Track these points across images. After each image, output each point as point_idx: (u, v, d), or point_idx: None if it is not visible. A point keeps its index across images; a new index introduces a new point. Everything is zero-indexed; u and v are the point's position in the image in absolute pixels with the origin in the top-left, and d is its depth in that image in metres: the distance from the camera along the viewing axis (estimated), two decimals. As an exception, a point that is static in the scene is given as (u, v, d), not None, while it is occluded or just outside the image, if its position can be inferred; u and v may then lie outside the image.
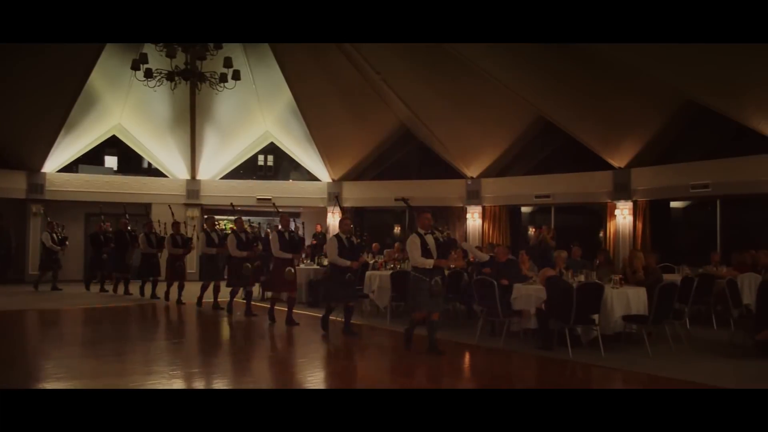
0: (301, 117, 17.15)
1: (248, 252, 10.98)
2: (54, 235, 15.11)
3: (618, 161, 15.04)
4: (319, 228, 17.30)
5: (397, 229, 19.48)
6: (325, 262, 12.42)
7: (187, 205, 18.04)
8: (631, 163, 14.91)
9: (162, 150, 18.41)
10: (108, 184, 18.12)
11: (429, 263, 7.20)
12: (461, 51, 13.49)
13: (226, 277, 11.65)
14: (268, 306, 10.38)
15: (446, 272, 8.39)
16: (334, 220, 18.56)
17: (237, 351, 8.60)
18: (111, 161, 24.49)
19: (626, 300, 8.03)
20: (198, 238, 14.05)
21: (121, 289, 14.08)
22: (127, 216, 14.88)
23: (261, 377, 6.83)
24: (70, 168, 18.16)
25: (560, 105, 14.63)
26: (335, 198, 10.36)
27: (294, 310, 9.86)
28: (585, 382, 6.71)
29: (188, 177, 18.50)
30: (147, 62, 11.71)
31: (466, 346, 8.23)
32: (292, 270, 9.60)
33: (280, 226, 10.01)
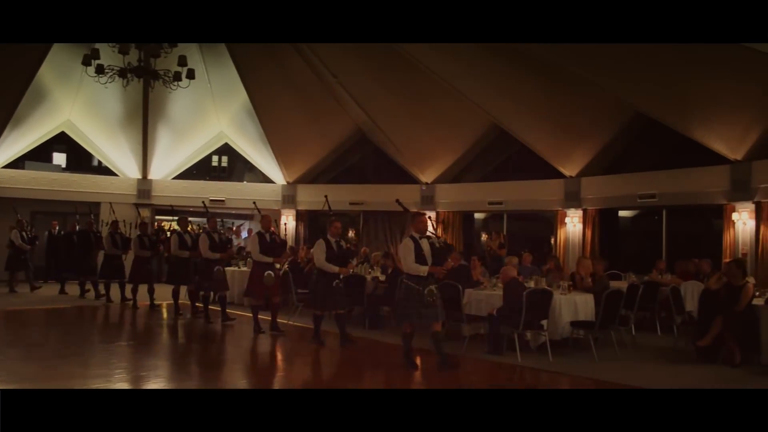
0: (257, 118, 17.02)
1: (222, 254, 10.35)
2: (24, 234, 14.51)
3: (569, 170, 15.34)
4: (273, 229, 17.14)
5: (351, 233, 19.46)
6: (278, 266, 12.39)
7: (138, 205, 17.69)
8: (582, 172, 15.23)
9: (113, 148, 18.03)
10: (56, 181, 17.64)
11: (423, 270, 6.67)
12: (418, 57, 13.59)
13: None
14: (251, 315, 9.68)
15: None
16: (288, 222, 18.48)
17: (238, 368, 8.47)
18: (59, 158, 23.88)
19: (574, 306, 8.21)
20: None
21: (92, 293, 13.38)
22: (92, 215, 14.46)
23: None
24: (16, 164, 17.60)
25: (514, 114, 14.86)
26: (325, 199, 9.77)
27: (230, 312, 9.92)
28: (532, 386, 6.83)
29: (139, 176, 18.16)
30: (99, 58, 11.46)
31: (418, 351, 8.26)
32: (272, 274, 9.15)
33: (261, 228, 9.45)
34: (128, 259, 12.64)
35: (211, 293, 10.96)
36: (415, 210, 7.13)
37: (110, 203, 14.81)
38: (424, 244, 6.81)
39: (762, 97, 11.26)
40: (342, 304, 8.45)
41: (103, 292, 12.99)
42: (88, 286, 13.53)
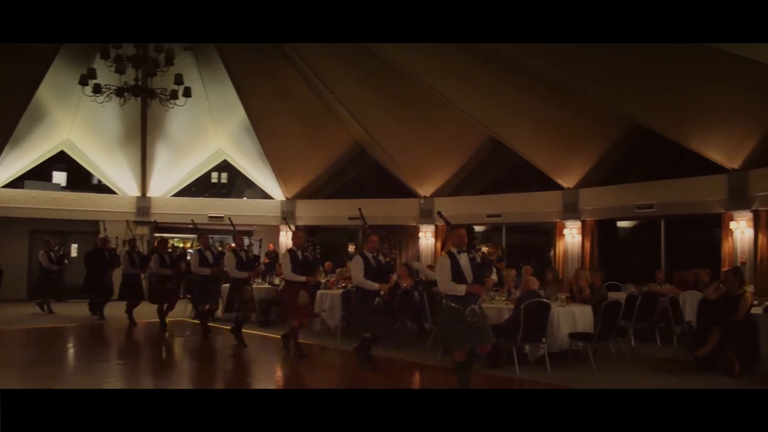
0: (255, 135, 17.07)
1: (249, 272, 9.82)
2: (51, 254, 14.27)
3: (567, 182, 15.36)
4: (271, 246, 17.18)
5: (351, 248, 19.48)
6: (277, 281, 12.43)
7: (138, 223, 17.71)
8: (580, 183, 15.25)
9: (112, 166, 18.08)
10: (55, 200, 17.69)
11: (460, 289, 5.89)
12: (414, 72, 13.66)
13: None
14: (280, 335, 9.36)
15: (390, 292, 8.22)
16: (287, 238, 18.47)
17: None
18: (59, 177, 23.98)
19: (572, 318, 8.19)
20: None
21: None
22: (106, 233, 14.19)
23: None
24: (16, 183, 17.67)
25: (511, 127, 14.91)
26: (359, 211, 9.31)
27: (244, 330, 9.69)
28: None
29: (138, 194, 18.20)
30: (95, 77, 11.52)
31: (424, 366, 8.26)
32: (306, 294, 8.56)
33: (293, 245, 8.86)
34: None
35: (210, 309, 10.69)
36: (454, 223, 6.38)
37: (103, 221, 14.76)
38: (463, 260, 6.04)
39: (757, 105, 11.30)
40: (384, 324, 8.00)
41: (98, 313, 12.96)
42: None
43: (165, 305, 11.38)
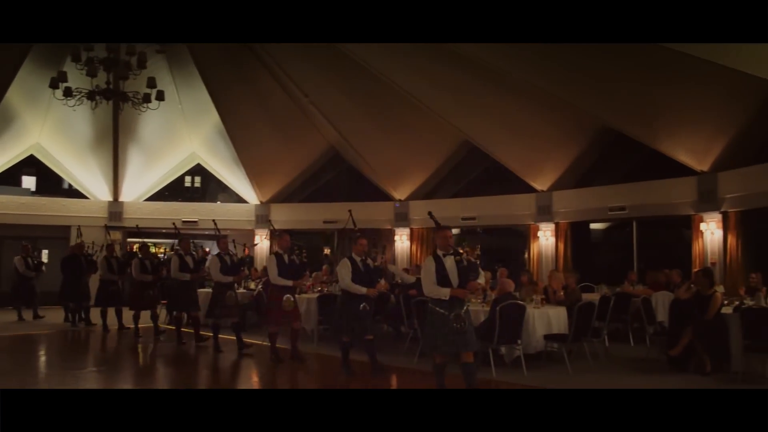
0: (229, 138, 16.96)
1: (234, 276, 9.44)
2: (29, 260, 13.91)
3: (540, 184, 15.50)
4: (246, 251, 17.07)
5: (326, 251, 19.42)
6: (252, 286, 12.35)
7: (109, 228, 17.48)
8: (553, 186, 15.39)
9: (83, 171, 17.84)
10: (24, 205, 17.43)
11: (444, 293, 5.73)
12: (388, 75, 13.70)
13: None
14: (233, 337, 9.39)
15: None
16: (261, 242, 18.38)
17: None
18: (29, 182, 23.61)
19: (547, 319, 8.26)
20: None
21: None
22: (81, 238, 13.84)
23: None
24: (-16, 189, 17.40)
25: (485, 130, 15.02)
26: (349, 214, 9.28)
27: (222, 336, 9.58)
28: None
29: (110, 199, 17.97)
30: (66, 81, 11.35)
31: (401, 370, 8.25)
32: (292, 298, 8.42)
33: (278, 249, 8.64)
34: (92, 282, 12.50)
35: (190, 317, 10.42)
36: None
37: (78, 226, 14.53)
38: (449, 263, 5.83)
39: (724, 109, 11.53)
40: (371, 329, 7.74)
41: (82, 317, 12.73)
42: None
43: (146, 312, 11.05)
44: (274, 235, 8.95)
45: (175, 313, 10.45)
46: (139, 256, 11.41)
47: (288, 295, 8.34)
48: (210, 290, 10.07)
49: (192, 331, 10.18)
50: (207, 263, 10.24)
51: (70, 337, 11.65)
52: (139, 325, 11.12)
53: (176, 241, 11.12)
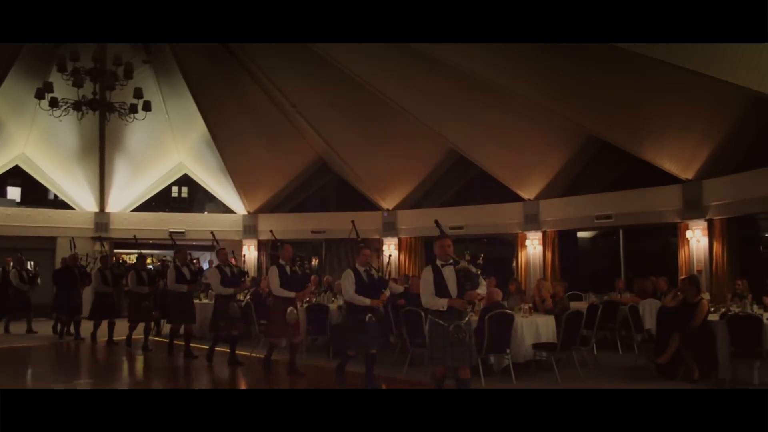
0: (216, 148, 16.92)
1: (236, 288, 9.36)
2: (23, 273, 13.58)
3: (527, 193, 15.55)
4: (233, 261, 16.95)
5: (314, 262, 19.39)
6: (241, 297, 12.26)
7: (95, 239, 17.38)
8: (540, 195, 15.45)
9: (69, 181, 17.73)
10: (9, 216, 17.28)
11: (441, 304, 5.59)
12: (375, 85, 13.73)
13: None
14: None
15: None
16: (249, 252, 18.31)
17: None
18: (14, 192, 23.43)
19: (536, 328, 8.30)
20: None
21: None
22: (74, 249, 13.48)
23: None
24: (-32, 200, 17.24)
25: (471, 139, 15.07)
26: (352, 224, 9.07)
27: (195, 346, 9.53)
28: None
29: (96, 209, 17.85)
30: (52, 91, 11.29)
31: (390, 380, 8.23)
32: (295, 310, 8.19)
33: (281, 260, 8.39)
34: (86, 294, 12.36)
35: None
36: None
37: (72, 238, 14.36)
38: (448, 273, 5.68)
39: (708, 118, 11.65)
40: (376, 342, 7.43)
41: (83, 336, 12.26)
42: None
43: (143, 324, 11.00)
44: (276, 246, 8.80)
45: (173, 326, 10.21)
46: (137, 268, 11.24)
47: (291, 308, 8.12)
48: (208, 302, 10.00)
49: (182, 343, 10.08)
50: (205, 275, 10.17)
51: (57, 351, 11.49)
52: (133, 337, 11.01)
53: (170, 252, 11.01)
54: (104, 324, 11.74)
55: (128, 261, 17.67)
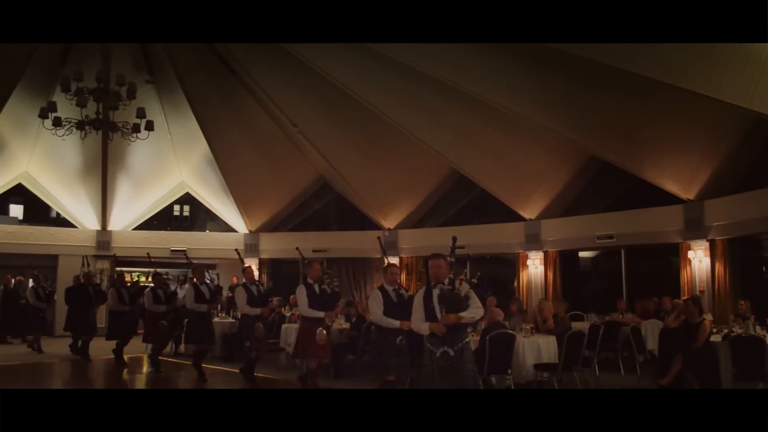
0: (218, 167, 16.96)
1: (263, 308, 8.97)
2: (39, 291, 13.46)
3: (529, 213, 15.56)
4: (235, 280, 16.96)
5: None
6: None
7: (98, 257, 17.39)
8: (542, 215, 15.45)
9: (71, 199, 17.77)
10: (11, 234, 17.28)
11: (424, 329, 5.32)
12: (376, 105, 13.78)
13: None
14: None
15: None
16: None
17: None
18: (16, 210, 23.46)
19: (537, 349, 8.24)
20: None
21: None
22: (87, 266, 13.33)
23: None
24: (-29, 218, 17.27)
25: (473, 159, 15.11)
26: (378, 240, 8.68)
27: (205, 366, 9.39)
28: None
29: (99, 227, 17.87)
30: (56, 110, 11.34)
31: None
32: (325, 331, 7.72)
33: (309, 278, 7.98)
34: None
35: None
36: (378, 256, 5.57)
37: (85, 256, 14.20)
38: (437, 295, 5.35)
39: (709, 138, 11.68)
40: (408, 365, 7.05)
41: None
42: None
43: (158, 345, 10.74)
44: (306, 265, 8.48)
45: (191, 347, 9.86)
46: (154, 286, 10.98)
47: (321, 329, 7.68)
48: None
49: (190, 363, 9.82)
50: (229, 293, 9.84)
51: (73, 370, 11.34)
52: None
53: (172, 270, 10.88)
54: (104, 343, 11.63)
55: (131, 280, 17.64)
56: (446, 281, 5.35)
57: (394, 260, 17.18)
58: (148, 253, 13.24)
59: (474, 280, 11.13)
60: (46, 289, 13.83)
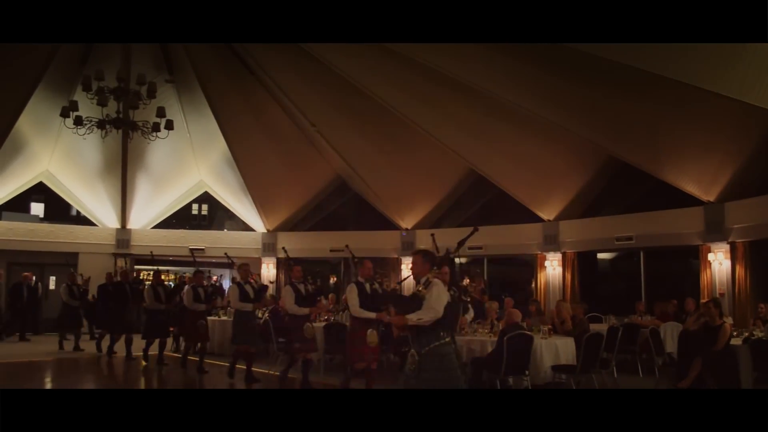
0: (236, 167, 17.06)
1: (311, 307, 8.63)
2: (74, 288, 13.38)
3: (547, 214, 15.49)
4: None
5: (333, 280, 19.40)
6: (259, 314, 12.28)
7: (117, 255, 17.55)
8: (560, 216, 15.38)
9: (91, 198, 17.96)
10: (32, 232, 17.49)
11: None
12: (394, 105, 13.79)
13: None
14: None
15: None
16: (268, 270, 18.37)
17: None
18: (37, 208, 23.75)
19: (555, 350, 8.21)
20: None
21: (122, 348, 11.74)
22: (126, 266, 13.14)
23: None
24: (-7, 215, 17.51)
25: (491, 159, 15.07)
26: (408, 242, 8.41)
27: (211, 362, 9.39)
28: None
29: (118, 226, 18.05)
30: (77, 110, 11.45)
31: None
32: (375, 333, 7.50)
33: (360, 277, 7.82)
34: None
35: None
36: (395, 256, 5.42)
37: (124, 254, 13.97)
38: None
39: (730, 139, 11.54)
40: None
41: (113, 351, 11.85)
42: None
43: (198, 344, 10.58)
44: (357, 263, 8.17)
45: (240, 347, 9.46)
46: (194, 284, 10.72)
47: (372, 330, 7.47)
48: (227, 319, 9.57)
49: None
50: (279, 292, 9.54)
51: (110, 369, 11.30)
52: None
53: (189, 269, 10.76)
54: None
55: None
56: (422, 279, 4.92)
57: (411, 260, 17.18)
58: (191, 250, 13.16)
59: (481, 287, 11.28)
60: (81, 286, 13.69)
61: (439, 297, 4.78)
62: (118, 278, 12.82)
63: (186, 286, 10.99)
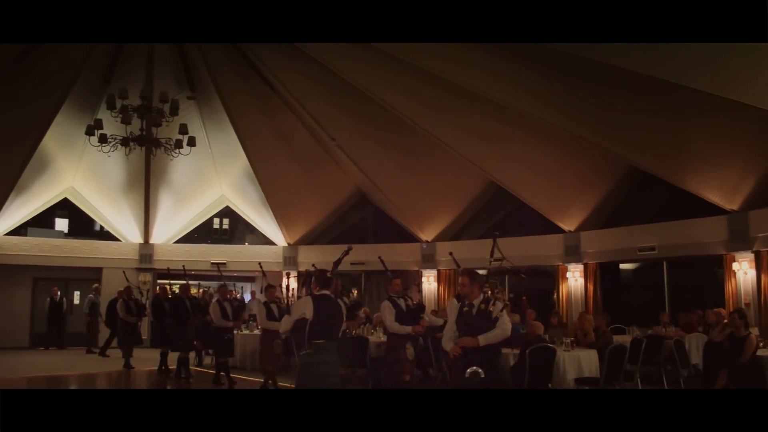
0: (257, 181, 17.20)
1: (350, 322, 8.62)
2: (131, 303, 13.11)
3: (568, 225, 15.42)
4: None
5: (354, 293, 19.38)
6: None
7: (140, 270, 17.75)
8: (581, 226, 15.29)
9: (115, 213, 18.21)
10: (57, 247, 17.75)
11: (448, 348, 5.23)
12: (413, 118, 13.84)
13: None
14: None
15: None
16: (289, 283, 18.39)
17: None
18: (62, 224, 24.02)
19: (578, 362, 8.16)
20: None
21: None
22: (188, 281, 12.62)
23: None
24: (19, 231, 17.76)
25: (510, 171, 15.04)
26: (428, 255, 8.39)
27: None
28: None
29: (141, 241, 18.26)
30: (102, 128, 11.66)
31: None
32: (412, 348, 7.69)
33: (391, 292, 7.94)
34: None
35: None
36: (416, 269, 5.57)
37: (183, 266, 13.37)
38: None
39: (752, 146, 11.42)
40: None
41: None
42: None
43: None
44: (392, 276, 8.17)
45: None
46: (220, 299, 10.53)
47: (410, 344, 7.61)
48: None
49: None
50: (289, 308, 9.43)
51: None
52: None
53: (212, 283, 10.68)
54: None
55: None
56: (479, 300, 5.13)
57: (432, 272, 17.23)
58: (217, 266, 13.11)
59: (523, 275, 11.20)
60: (138, 301, 13.39)
61: (506, 316, 5.11)
62: (172, 294, 12.58)
63: (213, 301, 10.82)
